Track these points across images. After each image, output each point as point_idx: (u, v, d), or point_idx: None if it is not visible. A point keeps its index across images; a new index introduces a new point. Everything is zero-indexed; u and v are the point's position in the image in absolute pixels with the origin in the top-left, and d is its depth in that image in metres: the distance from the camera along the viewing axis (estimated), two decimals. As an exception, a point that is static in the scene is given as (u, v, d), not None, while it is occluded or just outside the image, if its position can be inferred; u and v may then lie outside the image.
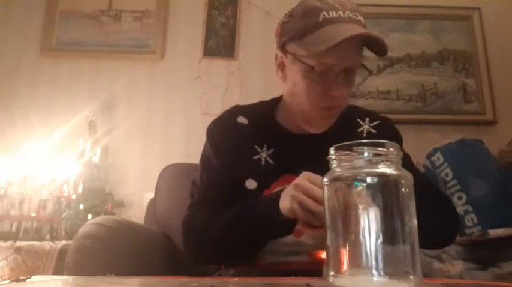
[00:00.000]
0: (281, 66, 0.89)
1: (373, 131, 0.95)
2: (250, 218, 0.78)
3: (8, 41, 2.31)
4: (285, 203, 0.70)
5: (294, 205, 0.67)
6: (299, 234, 0.80)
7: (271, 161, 0.88)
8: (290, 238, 0.80)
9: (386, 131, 0.96)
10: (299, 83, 0.83)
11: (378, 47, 0.79)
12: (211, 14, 2.37)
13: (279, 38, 0.86)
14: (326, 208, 0.38)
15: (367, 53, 0.82)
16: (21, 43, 2.32)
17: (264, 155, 0.89)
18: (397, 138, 0.96)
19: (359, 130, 0.95)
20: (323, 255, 0.39)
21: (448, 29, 2.35)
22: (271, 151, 0.89)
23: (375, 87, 2.26)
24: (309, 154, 0.81)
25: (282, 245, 0.81)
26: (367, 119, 0.97)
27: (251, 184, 0.86)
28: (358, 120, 0.97)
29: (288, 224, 0.73)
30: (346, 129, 0.91)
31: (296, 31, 0.81)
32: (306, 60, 0.79)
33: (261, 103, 1.01)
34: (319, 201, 0.64)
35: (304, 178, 0.68)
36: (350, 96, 0.87)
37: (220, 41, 2.32)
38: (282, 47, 0.86)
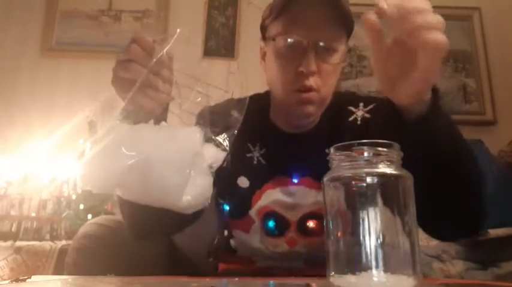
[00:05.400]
0: (263, 56, 0.86)
1: (367, 115, 0.86)
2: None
3: (8, 41, 2.31)
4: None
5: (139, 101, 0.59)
6: (293, 244, 0.80)
7: (263, 162, 0.85)
8: (284, 248, 0.80)
9: (382, 112, 0.82)
10: (272, 66, 0.80)
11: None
12: (211, 14, 2.37)
13: (260, 26, 0.85)
14: (326, 208, 0.38)
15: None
16: (21, 43, 2.31)
17: (256, 154, 0.87)
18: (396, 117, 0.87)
19: (351, 119, 0.86)
20: None
21: (448, 29, 2.34)
22: (263, 150, 0.87)
23: (376, 87, 2.26)
24: (300, 153, 0.80)
25: (276, 255, 0.81)
26: (361, 105, 0.88)
27: (243, 182, 0.84)
28: (351, 107, 0.88)
29: None
30: (336, 121, 0.86)
31: (268, 11, 0.81)
32: (276, 38, 0.77)
33: (256, 97, 0.95)
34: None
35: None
36: (331, 84, 0.79)
37: (220, 41, 2.32)
38: (263, 36, 0.84)
